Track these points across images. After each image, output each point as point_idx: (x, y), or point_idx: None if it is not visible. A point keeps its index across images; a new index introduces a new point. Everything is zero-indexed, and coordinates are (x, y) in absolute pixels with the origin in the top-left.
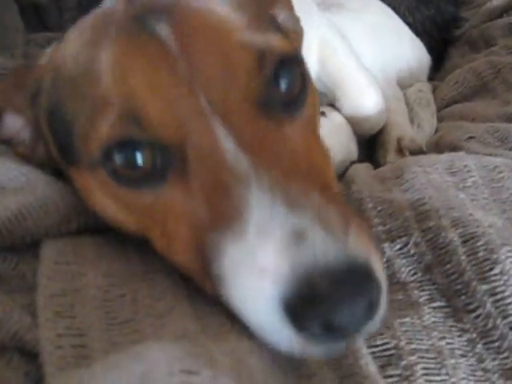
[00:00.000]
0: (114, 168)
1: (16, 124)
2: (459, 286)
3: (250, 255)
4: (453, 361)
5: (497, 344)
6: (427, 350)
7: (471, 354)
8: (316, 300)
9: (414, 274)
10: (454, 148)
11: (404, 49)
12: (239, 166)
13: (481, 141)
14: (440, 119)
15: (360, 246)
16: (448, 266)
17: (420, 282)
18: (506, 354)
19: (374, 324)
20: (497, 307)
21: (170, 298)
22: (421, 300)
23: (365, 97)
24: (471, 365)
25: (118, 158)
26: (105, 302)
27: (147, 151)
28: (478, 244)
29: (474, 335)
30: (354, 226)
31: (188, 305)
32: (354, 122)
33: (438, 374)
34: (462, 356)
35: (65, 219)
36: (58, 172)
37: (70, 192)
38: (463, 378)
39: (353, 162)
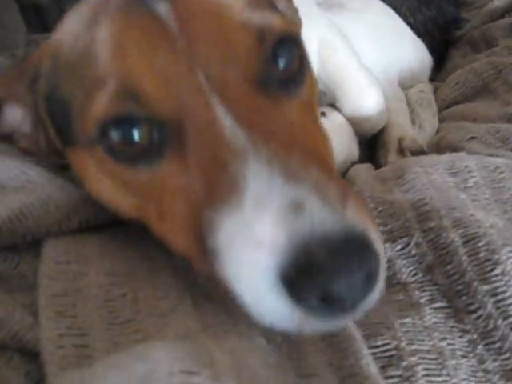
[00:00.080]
0: (111, 144)
1: (16, 116)
2: (460, 287)
3: (246, 227)
4: (454, 362)
5: (498, 345)
6: (428, 351)
7: (472, 355)
8: (313, 270)
9: (415, 274)
10: (455, 148)
11: (405, 49)
12: (237, 141)
13: (482, 141)
14: (441, 120)
15: (358, 218)
16: (449, 267)
17: (421, 282)
18: (506, 355)
19: (373, 298)
20: (498, 308)
21: (172, 296)
22: (422, 301)
23: (365, 97)
24: (472, 366)
25: (114, 135)
26: (106, 301)
27: (144, 127)
28: (479, 244)
29: (475, 336)
30: (351, 199)
31: (190, 303)
32: (354, 123)
33: (439, 375)
34: (463, 357)
35: (66, 217)
36: (59, 168)
37: (70, 189)
38: (464, 379)
39: (354, 163)
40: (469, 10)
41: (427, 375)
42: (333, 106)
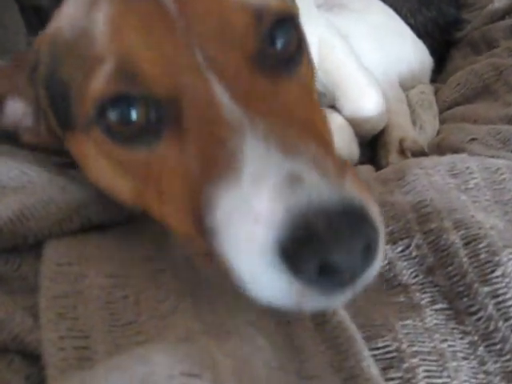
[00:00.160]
0: (109, 125)
1: (18, 110)
2: (461, 289)
3: (244, 203)
4: (454, 363)
5: (498, 346)
6: (429, 353)
7: (473, 357)
8: (311, 241)
9: (416, 276)
10: (456, 150)
11: (406, 50)
12: (234, 118)
13: (483, 143)
14: (442, 121)
15: (356, 191)
16: (450, 268)
17: (422, 284)
18: (507, 357)
19: (372, 272)
20: (498, 309)
21: (173, 298)
22: (422, 302)
23: (365, 97)
24: (473, 367)
25: (112, 115)
26: (108, 303)
27: (141, 107)
28: (480, 246)
29: (476, 338)
30: (350, 174)
31: (191, 303)
32: (354, 124)
33: (440, 377)
34: (464, 358)
35: (67, 218)
36: (60, 167)
37: (72, 189)
38: (465, 381)
39: (354, 164)
40: (469, 11)
41: (428, 377)
42: (333, 107)
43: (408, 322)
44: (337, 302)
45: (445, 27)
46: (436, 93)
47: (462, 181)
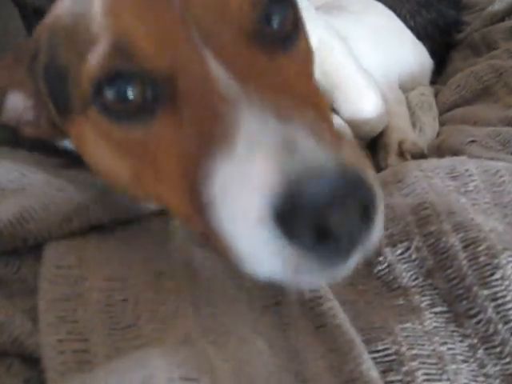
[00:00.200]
0: (105, 103)
1: (19, 103)
2: (460, 291)
3: (239, 172)
4: (454, 366)
5: (498, 349)
6: (428, 356)
7: (472, 360)
8: (307, 205)
9: (416, 278)
10: (456, 152)
11: (406, 52)
12: (230, 93)
13: (482, 145)
14: (442, 123)
15: (353, 157)
16: (449, 271)
17: (421, 286)
18: (507, 360)
19: (370, 242)
20: (498, 312)
21: (172, 301)
22: (422, 305)
23: (364, 99)
24: (472, 370)
25: (108, 93)
26: (107, 306)
27: (137, 84)
28: (479, 249)
29: (476, 340)
30: (347, 143)
31: (190, 306)
32: (353, 125)
33: (440, 380)
34: (464, 361)
35: (67, 219)
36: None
37: (71, 191)
38: None
39: None
40: (469, 12)
41: (427, 380)
42: (332, 109)
43: (407, 324)
44: (335, 275)
45: (445, 29)
46: (436, 95)
47: (461, 183)
